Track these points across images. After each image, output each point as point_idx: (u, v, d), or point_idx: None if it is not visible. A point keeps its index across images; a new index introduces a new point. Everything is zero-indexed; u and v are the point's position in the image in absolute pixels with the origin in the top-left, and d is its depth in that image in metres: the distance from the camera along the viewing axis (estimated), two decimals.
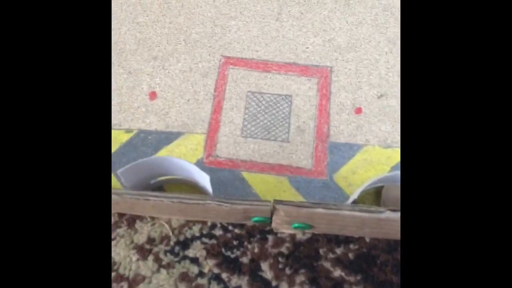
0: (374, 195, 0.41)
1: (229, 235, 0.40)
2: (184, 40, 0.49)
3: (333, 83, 0.47)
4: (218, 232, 0.40)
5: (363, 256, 0.39)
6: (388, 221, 0.36)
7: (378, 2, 0.52)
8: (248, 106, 0.45)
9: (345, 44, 0.49)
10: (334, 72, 0.47)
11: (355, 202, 0.40)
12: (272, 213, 0.36)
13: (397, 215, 0.35)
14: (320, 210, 0.35)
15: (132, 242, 0.39)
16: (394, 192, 0.39)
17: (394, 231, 0.37)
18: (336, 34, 0.50)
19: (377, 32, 0.50)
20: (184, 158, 0.42)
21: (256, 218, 0.38)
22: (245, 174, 0.42)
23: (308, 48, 0.49)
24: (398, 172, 0.40)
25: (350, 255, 0.39)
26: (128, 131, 0.44)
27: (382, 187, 0.41)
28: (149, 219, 0.40)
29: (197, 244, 0.39)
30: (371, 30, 0.50)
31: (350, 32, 0.50)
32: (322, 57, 0.48)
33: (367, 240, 0.40)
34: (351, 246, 0.39)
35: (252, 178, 0.41)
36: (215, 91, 0.46)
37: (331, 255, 0.39)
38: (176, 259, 0.39)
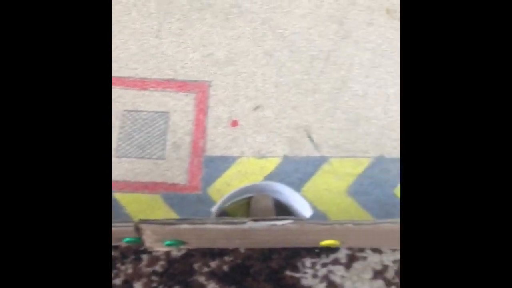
0: (246, 206, 0.42)
1: None
2: None
3: (211, 97, 0.48)
4: None
5: (237, 267, 0.40)
6: (253, 231, 0.36)
7: (257, 16, 0.53)
8: (123, 125, 0.45)
9: (224, 58, 0.50)
10: (212, 87, 0.48)
11: (227, 214, 0.41)
12: (139, 233, 0.36)
13: (260, 224, 0.36)
14: (185, 226, 0.36)
15: None
16: (263, 201, 0.40)
17: (261, 240, 0.38)
18: (215, 49, 0.51)
19: (255, 45, 0.51)
20: None
21: (127, 239, 0.38)
22: (117, 195, 0.41)
23: (187, 64, 0.49)
24: (266, 182, 0.42)
25: (225, 268, 0.39)
26: None
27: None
28: None
29: None
30: (250, 43, 0.51)
31: (229, 46, 0.51)
32: (201, 72, 0.49)
33: (242, 251, 0.40)
34: (226, 258, 0.40)
35: (125, 199, 0.41)
36: None
37: (205, 269, 0.39)
38: None
